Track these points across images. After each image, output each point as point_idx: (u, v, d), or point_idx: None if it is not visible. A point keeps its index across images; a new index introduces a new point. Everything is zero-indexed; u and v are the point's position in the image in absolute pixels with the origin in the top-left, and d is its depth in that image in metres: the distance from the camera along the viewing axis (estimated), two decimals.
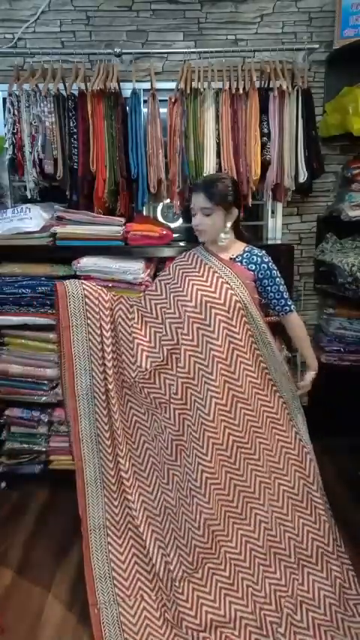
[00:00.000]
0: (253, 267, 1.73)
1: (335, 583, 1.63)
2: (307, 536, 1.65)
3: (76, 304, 1.75)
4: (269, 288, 1.76)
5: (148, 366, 1.71)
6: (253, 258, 1.74)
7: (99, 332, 1.74)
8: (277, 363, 1.72)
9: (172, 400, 1.67)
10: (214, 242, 1.74)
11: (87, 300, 1.75)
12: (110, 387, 1.71)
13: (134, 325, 1.76)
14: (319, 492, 1.69)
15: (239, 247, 1.78)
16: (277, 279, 1.76)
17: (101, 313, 1.75)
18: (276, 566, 1.62)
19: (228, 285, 1.65)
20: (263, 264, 1.73)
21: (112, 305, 1.78)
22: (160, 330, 1.74)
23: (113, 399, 1.72)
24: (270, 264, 1.75)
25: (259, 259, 1.74)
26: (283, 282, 1.78)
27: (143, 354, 1.72)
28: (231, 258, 1.74)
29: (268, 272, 1.74)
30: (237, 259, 1.74)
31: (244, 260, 1.74)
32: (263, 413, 1.68)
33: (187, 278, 1.71)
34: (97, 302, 1.75)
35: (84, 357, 1.73)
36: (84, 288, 1.77)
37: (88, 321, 1.74)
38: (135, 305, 1.80)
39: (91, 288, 1.78)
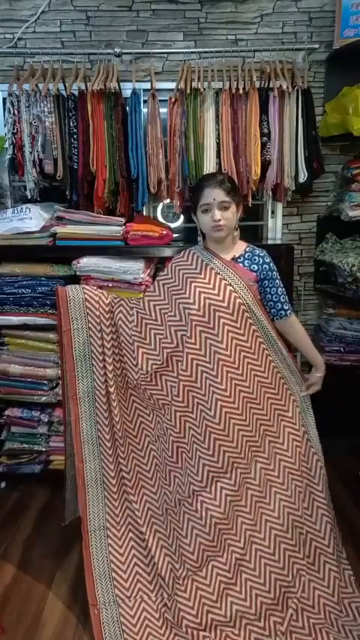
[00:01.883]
0: (256, 267, 1.71)
1: (334, 584, 1.63)
2: (307, 536, 1.65)
3: (77, 308, 1.75)
4: (268, 289, 1.74)
5: (149, 369, 1.71)
6: (255, 259, 1.72)
7: (99, 335, 1.74)
8: (286, 361, 1.74)
9: (173, 402, 1.67)
10: (221, 240, 1.70)
11: (87, 303, 1.75)
12: (111, 389, 1.71)
13: (134, 328, 1.76)
14: (324, 493, 1.69)
15: (240, 247, 1.76)
16: (277, 280, 1.74)
17: (102, 317, 1.75)
18: (288, 569, 1.61)
19: (232, 288, 1.64)
20: (265, 265, 1.72)
21: (113, 308, 1.78)
22: (161, 333, 1.73)
23: (114, 401, 1.72)
24: (271, 264, 1.73)
25: (261, 260, 1.72)
26: (282, 285, 1.76)
27: (144, 356, 1.73)
28: (233, 259, 1.72)
29: (269, 273, 1.72)
30: (239, 260, 1.72)
31: (246, 260, 1.72)
32: (275, 412, 1.68)
33: (189, 280, 1.69)
34: (97, 305, 1.76)
35: (85, 360, 1.73)
36: (85, 292, 1.77)
37: (89, 325, 1.74)
38: (135, 307, 1.79)
39: (91, 291, 1.78)
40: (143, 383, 1.72)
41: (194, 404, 1.65)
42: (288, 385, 1.72)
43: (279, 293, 1.74)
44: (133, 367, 1.73)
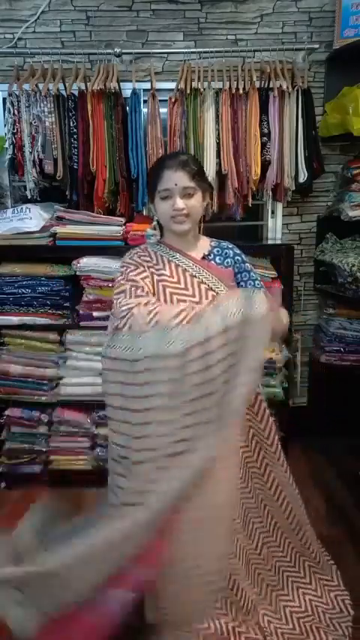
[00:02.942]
0: (230, 261, 1.51)
1: (324, 591, 1.61)
2: (294, 552, 1.62)
3: None
4: (244, 283, 1.52)
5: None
6: (226, 252, 1.52)
7: None
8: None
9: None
10: (184, 234, 1.45)
11: None
12: None
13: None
14: (300, 501, 1.60)
15: (205, 243, 1.53)
16: (252, 272, 1.54)
17: None
18: (260, 586, 1.57)
19: (214, 293, 1.42)
20: (237, 257, 1.53)
21: None
22: None
23: None
24: (243, 255, 1.55)
25: (231, 252, 1.53)
26: (254, 270, 1.56)
27: None
28: (204, 257, 1.49)
29: (242, 265, 1.53)
30: (209, 257, 1.50)
31: (217, 257, 1.51)
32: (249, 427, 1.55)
33: (160, 285, 1.42)
34: None
35: None
36: None
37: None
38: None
39: None
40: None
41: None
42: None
43: (256, 283, 1.53)
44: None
